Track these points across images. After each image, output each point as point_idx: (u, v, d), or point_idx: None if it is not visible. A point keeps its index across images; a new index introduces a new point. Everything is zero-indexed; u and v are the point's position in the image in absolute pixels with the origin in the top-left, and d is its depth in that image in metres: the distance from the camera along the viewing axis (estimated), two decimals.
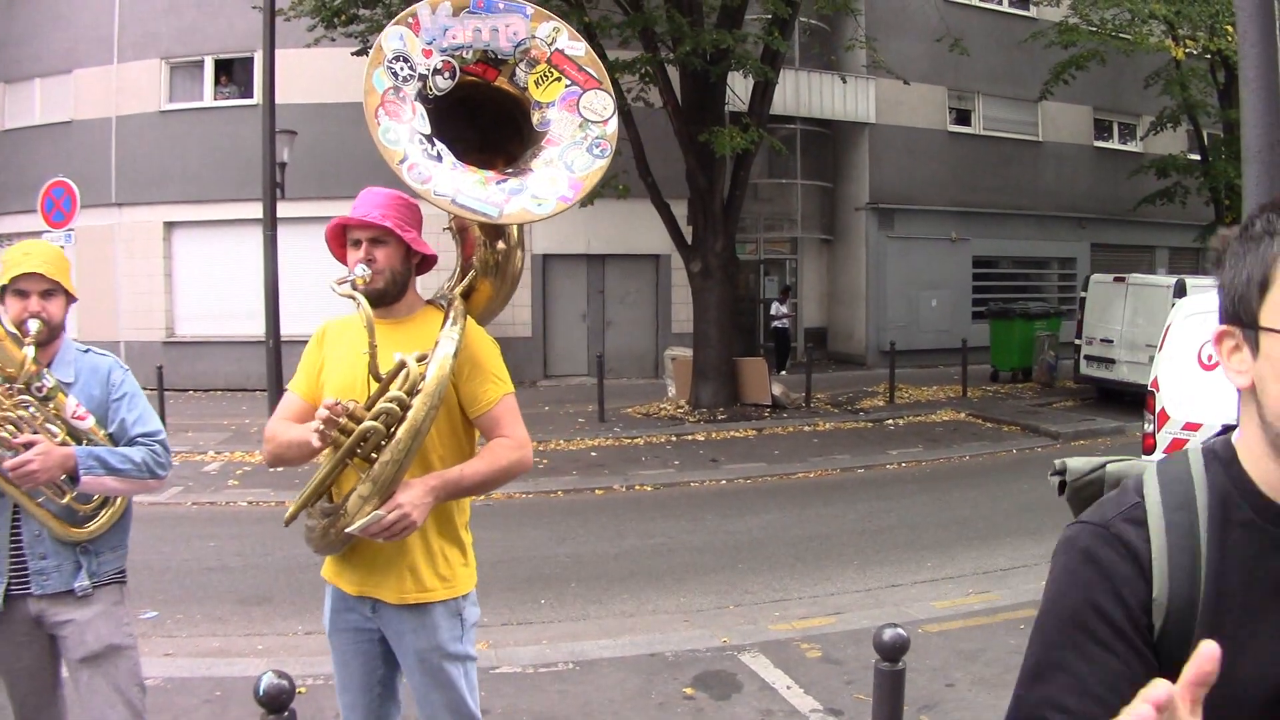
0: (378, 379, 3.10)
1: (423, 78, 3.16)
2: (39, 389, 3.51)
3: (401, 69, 3.12)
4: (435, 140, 3.13)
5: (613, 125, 3.25)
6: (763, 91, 17.53)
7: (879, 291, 25.60)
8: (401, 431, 2.98)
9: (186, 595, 8.28)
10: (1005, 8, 27.25)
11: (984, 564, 8.69)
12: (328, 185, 20.33)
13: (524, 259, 3.58)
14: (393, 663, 3.49)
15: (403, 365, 3.05)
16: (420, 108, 3.14)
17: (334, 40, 16.98)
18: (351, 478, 3.15)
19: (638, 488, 12.25)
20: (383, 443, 3.02)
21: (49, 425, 3.51)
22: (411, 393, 3.02)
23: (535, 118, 3.29)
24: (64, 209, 15.63)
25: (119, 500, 3.73)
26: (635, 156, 16.02)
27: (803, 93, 24.55)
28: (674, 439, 15.56)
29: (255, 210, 17.01)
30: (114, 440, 3.69)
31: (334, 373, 3.38)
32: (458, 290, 3.43)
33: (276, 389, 16.06)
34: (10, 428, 3.42)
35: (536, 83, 3.27)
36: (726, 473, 13.13)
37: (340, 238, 3.43)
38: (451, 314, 3.27)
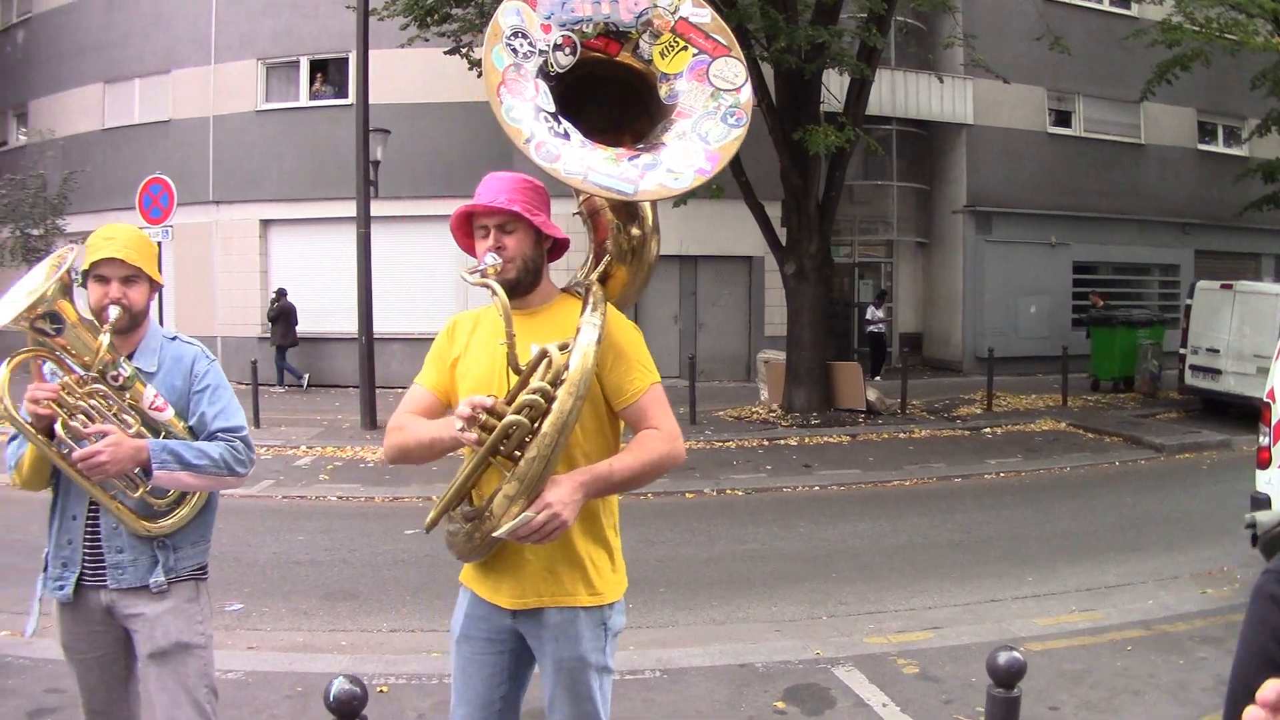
0: (517, 371, 2.91)
1: (543, 54, 2.98)
2: (115, 377, 3.38)
3: (521, 45, 2.95)
4: (560, 118, 2.94)
5: (746, 93, 3.04)
6: (859, 90, 17.20)
7: (976, 296, 25.08)
8: (547, 425, 2.79)
9: (273, 588, 8.25)
10: (1106, 6, 26.56)
11: (1088, 580, 8.31)
12: (420, 184, 20.46)
13: (659, 245, 3.35)
14: (520, 680, 3.31)
15: (544, 355, 2.86)
16: (543, 85, 2.96)
17: (427, 40, 17.02)
18: (494, 478, 2.96)
19: (729, 492, 12.00)
20: (527, 438, 2.82)
21: (124, 415, 3.38)
22: (555, 383, 2.83)
23: (663, 91, 3.09)
24: (161, 205, 15.87)
25: (198, 495, 3.57)
26: None
27: (899, 93, 24.15)
28: (766, 443, 15.31)
29: (349, 209, 17.15)
30: (194, 434, 3.55)
31: (470, 366, 3.20)
32: (593, 277, 3.21)
33: (369, 385, 16.19)
34: (82, 417, 3.30)
35: (661, 54, 3.09)
36: (820, 479, 12.86)
37: (466, 226, 3.23)
38: (591, 300, 3.06)
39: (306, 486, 12.58)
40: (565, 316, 3.11)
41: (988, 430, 16.53)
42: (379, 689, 5.84)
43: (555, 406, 2.80)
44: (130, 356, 3.51)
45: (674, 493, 11.86)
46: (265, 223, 23.50)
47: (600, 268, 3.23)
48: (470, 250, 3.22)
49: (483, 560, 3.15)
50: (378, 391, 16.66)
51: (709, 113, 3.01)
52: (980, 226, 25.11)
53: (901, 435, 16.00)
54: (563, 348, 2.89)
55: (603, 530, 3.21)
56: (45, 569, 3.57)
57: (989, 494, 12.11)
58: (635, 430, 3.13)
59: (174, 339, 3.68)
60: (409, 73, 20.76)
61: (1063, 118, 26.68)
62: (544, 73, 2.97)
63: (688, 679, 6.04)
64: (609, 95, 3.19)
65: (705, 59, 3.06)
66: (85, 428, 3.28)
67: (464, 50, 17.29)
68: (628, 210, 3.17)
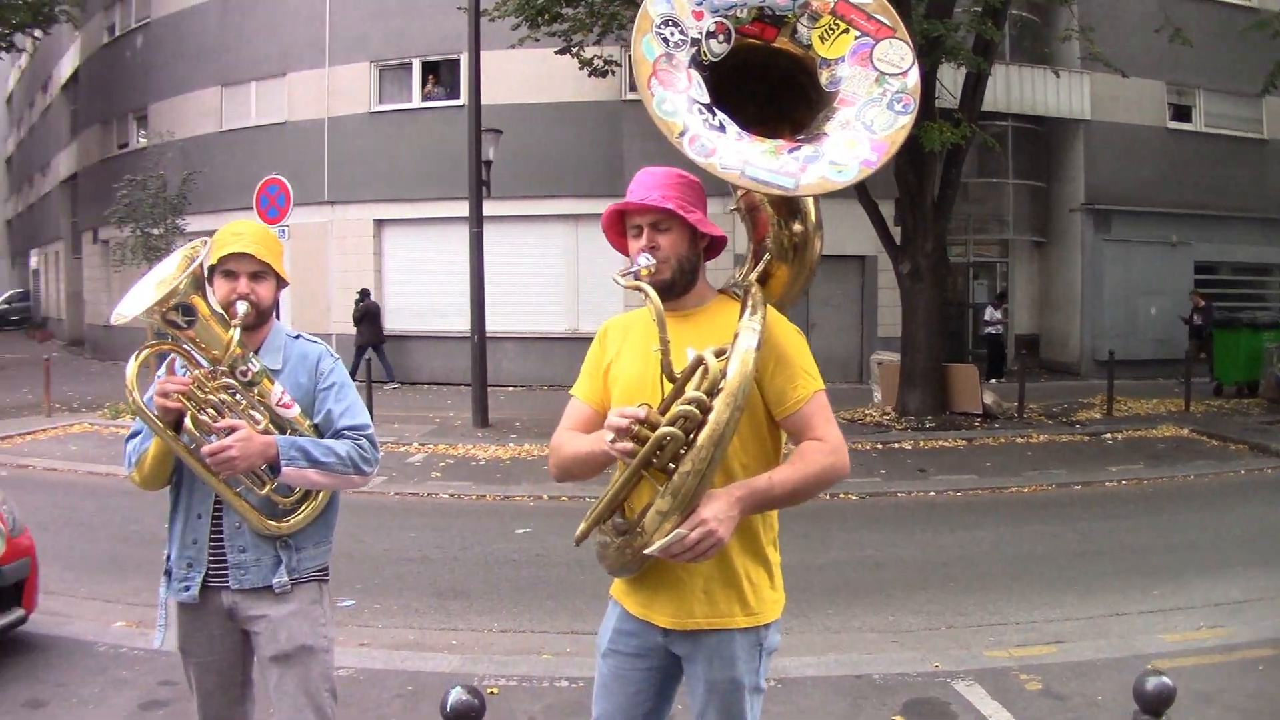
0: (671, 379, 2.77)
1: (695, 42, 2.84)
2: (244, 373, 3.35)
3: (672, 34, 2.80)
4: (715, 109, 2.79)
5: (914, 77, 2.84)
6: (974, 84, 16.87)
7: (1095, 297, 24.44)
8: (703, 437, 2.63)
9: (385, 586, 8.28)
10: None
11: (1216, 595, 7.94)
12: (531, 184, 20.55)
13: (822, 242, 3.17)
14: (666, 696, 3.19)
15: (700, 362, 2.70)
16: (696, 75, 2.81)
17: (537, 40, 17.11)
18: (647, 491, 2.83)
19: (842, 496, 11.70)
20: (682, 450, 2.67)
21: (252, 411, 3.35)
22: (711, 393, 2.66)
23: (824, 77, 2.91)
24: (278, 205, 16.12)
25: (321, 494, 3.54)
26: None
27: (1014, 88, 23.64)
28: (880, 447, 15.04)
29: (461, 209, 17.30)
30: (319, 431, 3.52)
31: (622, 375, 3.07)
32: (752, 277, 3.04)
33: (481, 383, 16.31)
34: (211, 411, 3.27)
35: (821, 38, 2.91)
36: (935, 484, 12.56)
37: (618, 225, 3.10)
38: (750, 302, 2.86)
39: (419, 484, 12.66)
40: (723, 319, 2.93)
41: (1108, 436, 16.05)
42: (489, 690, 5.81)
43: (711, 418, 2.64)
44: (256, 353, 3.48)
45: None
46: (379, 223, 23.81)
47: (760, 267, 3.09)
48: (623, 250, 3.09)
49: (634, 575, 3.03)
50: (489, 390, 16.78)
51: (874, 99, 2.83)
52: (1099, 225, 24.48)
53: (1019, 440, 15.60)
54: (720, 354, 2.72)
55: (762, 546, 3.04)
56: (168, 572, 3.55)
57: (1110, 502, 11.74)
58: (797, 441, 2.97)
59: (297, 337, 3.65)
60: (520, 73, 20.87)
61: (1182, 112, 25.82)
62: (697, 62, 2.84)
63: (803, 689, 5.90)
64: (766, 84, 3.04)
65: (868, 41, 2.88)
66: (215, 422, 3.26)
67: (574, 50, 17.33)
68: (789, 206, 3.03)
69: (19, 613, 6.62)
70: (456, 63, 22.07)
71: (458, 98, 21.88)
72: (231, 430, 3.23)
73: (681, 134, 2.69)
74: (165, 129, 26.37)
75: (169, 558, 3.56)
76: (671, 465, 2.69)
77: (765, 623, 3.02)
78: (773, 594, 3.06)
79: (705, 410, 2.65)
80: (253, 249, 3.43)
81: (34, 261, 50.61)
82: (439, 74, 23.61)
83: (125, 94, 31.50)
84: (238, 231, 3.50)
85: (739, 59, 2.92)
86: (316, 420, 3.53)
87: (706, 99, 2.79)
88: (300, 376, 3.54)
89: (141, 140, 28.87)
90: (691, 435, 2.66)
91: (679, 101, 2.74)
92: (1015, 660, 6.34)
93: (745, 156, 2.70)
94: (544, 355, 21.69)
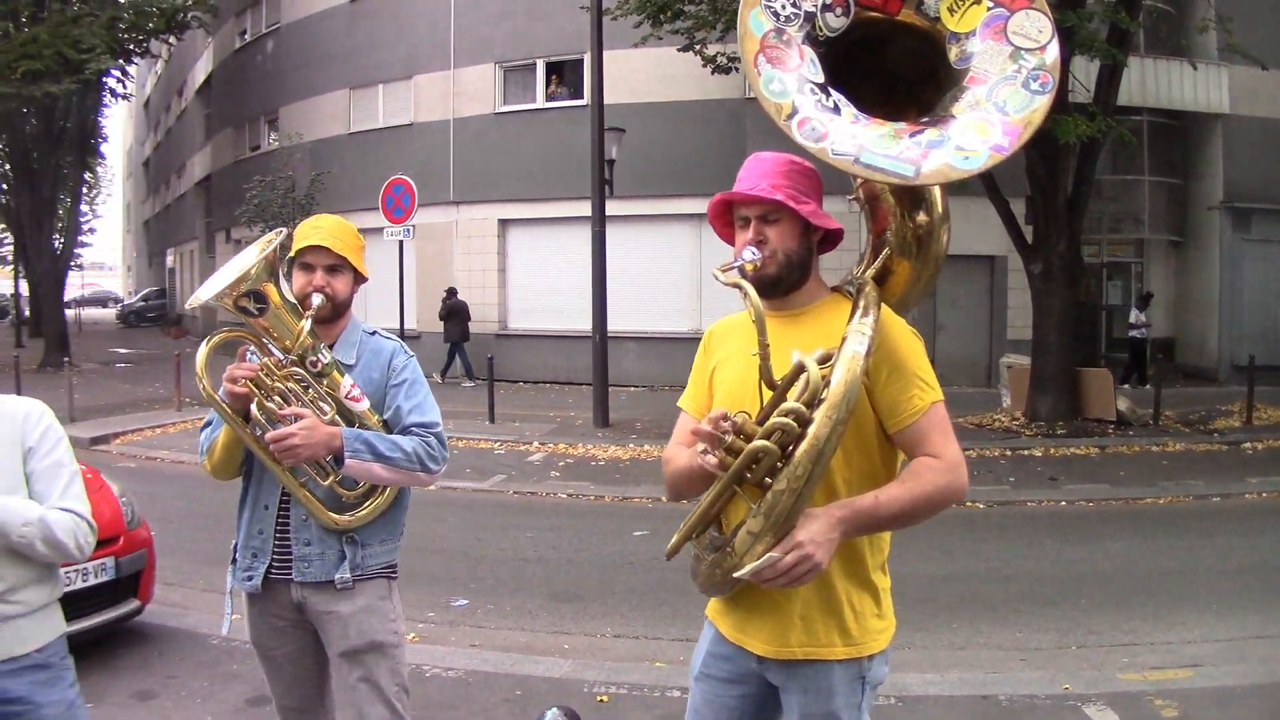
0: (771, 386, 2.53)
1: (810, 16, 2.62)
2: (314, 363, 3.34)
3: (784, 7, 2.60)
4: (830, 89, 2.57)
5: (1053, 52, 2.56)
6: (1109, 76, 16.28)
7: (1234, 300, 23.46)
8: (800, 454, 2.39)
9: (499, 585, 8.23)
10: None
11: None
12: (654, 183, 20.47)
13: (949, 235, 2.91)
14: None
15: (801, 369, 2.45)
16: (809, 52, 2.59)
17: (660, 39, 17.00)
18: (740, 507, 2.61)
19: (969, 504, 11.29)
20: (778, 465, 2.44)
21: (320, 402, 3.32)
22: (812, 404, 2.42)
23: (953, 53, 2.65)
24: (403, 205, 16.32)
25: (388, 490, 3.48)
26: None
27: (1149, 81, 22.82)
28: (1008, 453, 14.59)
29: (584, 208, 17.28)
30: (388, 427, 3.47)
31: (722, 380, 2.86)
32: (869, 274, 2.80)
33: (602, 384, 16.28)
34: (278, 399, 3.25)
35: (950, 9, 2.66)
36: (1067, 494, 12.09)
37: (725, 216, 2.87)
38: (862, 302, 2.62)
39: (538, 483, 12.64)
40: (834, 320, 2.68)
41: (1248, 445, 15.35)
42: (598, 698, 5.70)
43: (811, 432, 2.40)
44: (330, 348, 3.46)
45: None
46: (503, 222, 23.96)
47: (878, 263, 2.84)
48: (730, 241, 2.88)
49: (729, 595, 2.83)
50: (610, 389, 16.73)
51: (1007, 77, 2.56)
52: (1238, 224, 23.50)
53: (1154, 448, 15.01)
54: (824, 360, 2.50)
55: (868, 571, 2.78)
56: (234, 560, 3.56)
57: (1251, 516, 11.16)
58: (910, 456, 2.70)
59: (373, 333, 3.63)
60: (643, 72, 20.84)
61: None
62: (811, 38, 2.62)
63: (924, 709, 5.64)
64: (888, 60, 2.81)
65: (1003, 13, 2.62)
66: (280, 410, 3.23)
67: (697, 47, 17.18)
68: (912, 195, 2.78)
69: (134, 604, 6.73)
70: (579, 62, 22.09)
71: (581, 98, 21.88)
72: (297, 418, 3.21)
73: (790, 116, 2.49)
74: (295, 131, 26.95)
75: (235, 547, 3.57)
76: (766, 480, 2.47)
77: (868, 654, 2.77)
78: (879, 623, 2.81)
79: (804, 423, 2.42)
80: (329, 242, 3.42)
81: (170, 260, 52.17)
82: (562, 74, 23.69)
83: (257, 97, 32.29)
84: (316, 225, 3.51)
85: (858, 34, 2.69)
86: (386, 416, 3.49)
87: (820, 78, 2.58)
88: (373, 372, 3.51)
89: (272, 142, 29.54)
90: (789, 449, 2.44)
91: (789, 81, 2.54)
92: (1151, 684, 5.97)
93: (861, 141, 2.47)
94: (666, 355, 21.56)
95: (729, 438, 2.48)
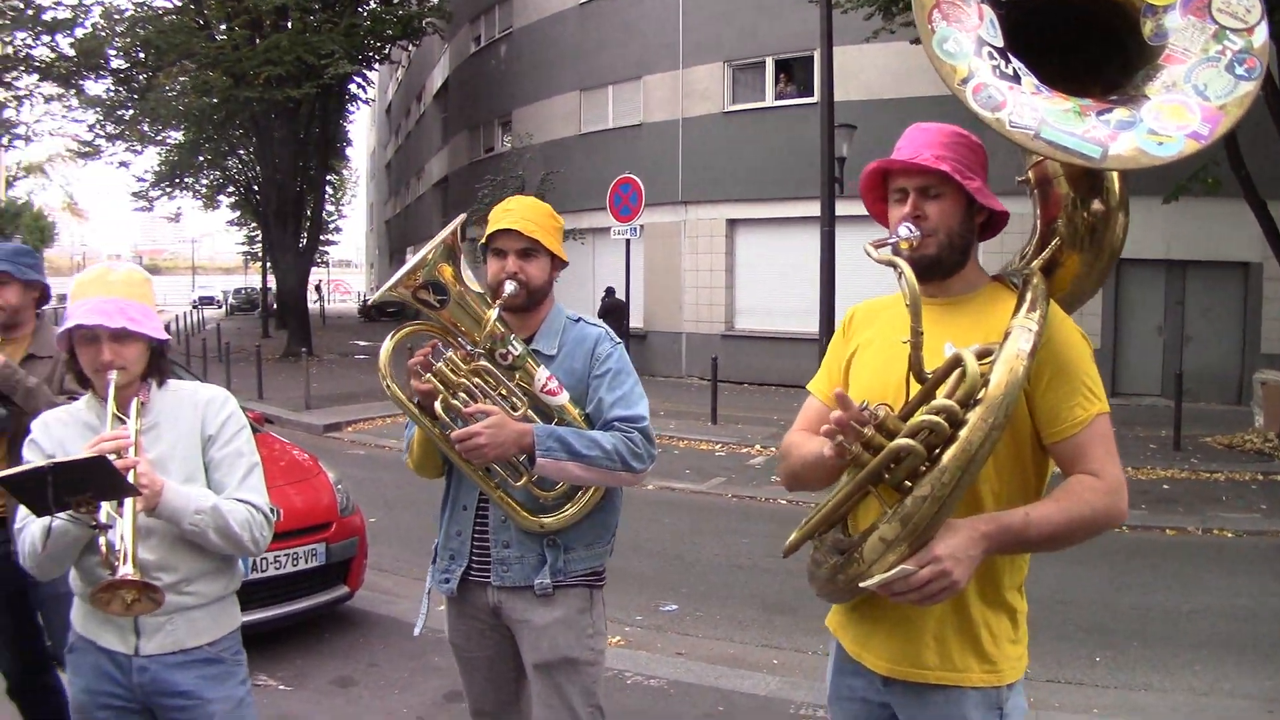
0: (920, 379, 2.29)
1: None
2: (504, 355, 3.14)
3: None
4: (1010, 56, 2.29)
5: (1262, 34, 2.22)
6: None
7: None
8: (948, 457, 2.14)
9: (710, 592, 8.00)
10: None
11: None
12: None
13: (1127, 225, 2.54)
14: None
15: (958, 363, 2.20)
16: (989, 12, 2.32)
17: (892, 33, 16.55)
18: (873, 508, 2.38)
19: (1216, 532, 10.48)
20: (922, 468, 2.19)
21: (511, 398, 3.13)
22: (967, 403, 2.17)
23: (1147, 28, 2.33)
24: (631, 204, 16.34)
25: (591, 492, 3.23)
26: (1226, 145, 13.98)
27: None
28: (1261, 478, 13.36)
29: (814, 208, 16.89)
30: (590, 422, 3.23)
31: (862, 367, 2.60)
32: (1036, 264, 2.49)
33: None
34: (464, 396, 3.08)
35: None
36: None
37: (879, 188, 2.61)
38: (1029, 295, 2.33)
39: (757, 487, 12.36)
40: (994, 312, 2.42)
41: None
42: None
43: (963, 434, 2.14)
44: (530, 339, 3.27)
45: (1152, 527, 10.49)
46: (731, 222, 23.73)
47: (1046, 253, 2.51)
48: (881, 218, 2.60)
49: (851, 605, 2.57)
50: None
51: (1209, 59, 2.24)
52: None
53: None
54: (983, 355, 2.22)
55: (1003, 591, 2.48)
56: (434, 560, 3.46)
57: None
58: (1067, 472, 2.38)
59: (578, 321, 3.39)
60: (874, 68, 20.33)
61: None
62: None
63: None
64: (1074, 32, 2.48)
65: None
66: (466, 407, 3.05)
67: None
68: (1090, 181, 2.45)
69: (343, 590, 6.83)
70: (809, 59, 21.66)
71: (811, 95, 21.44)
72: (484, 415, 3.02)
73: (965, 80, 2.23)
74: (527, 132, 27.44)
75: (436, 547, 3.47)
76: (906, 484, 2.20)
77: (1007, 683, 2.45)
78: (1015, 649, 2.49)
79: (956, 423, 2.16)
80: (519, 225, 3.21)
81: (409, 258, 53.92)
82: (791, 72, 23.33)
83: (491, 101, 33.09)
84: (507, 208, 3.31)
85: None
86: (588, 409, 3.25)
87: (1000, 42, 2.30)
88: (575, 362, 3.28)
89: (505, 144, 30.13)
90: (936, 451, 2.17)
91: (965, 41, 2.27)
92: None
93: (1042, 115, 2.19)
94: None
95: (868, 431, 2.21)
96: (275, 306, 41.06)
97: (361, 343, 36.52)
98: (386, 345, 3.15)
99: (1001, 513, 2.29)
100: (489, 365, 3.12)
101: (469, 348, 3.11)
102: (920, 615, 2.39)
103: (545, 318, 3.34)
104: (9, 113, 32.60)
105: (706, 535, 9.66)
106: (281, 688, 5.93)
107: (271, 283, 41.38)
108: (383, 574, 8.20)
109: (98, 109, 31.23)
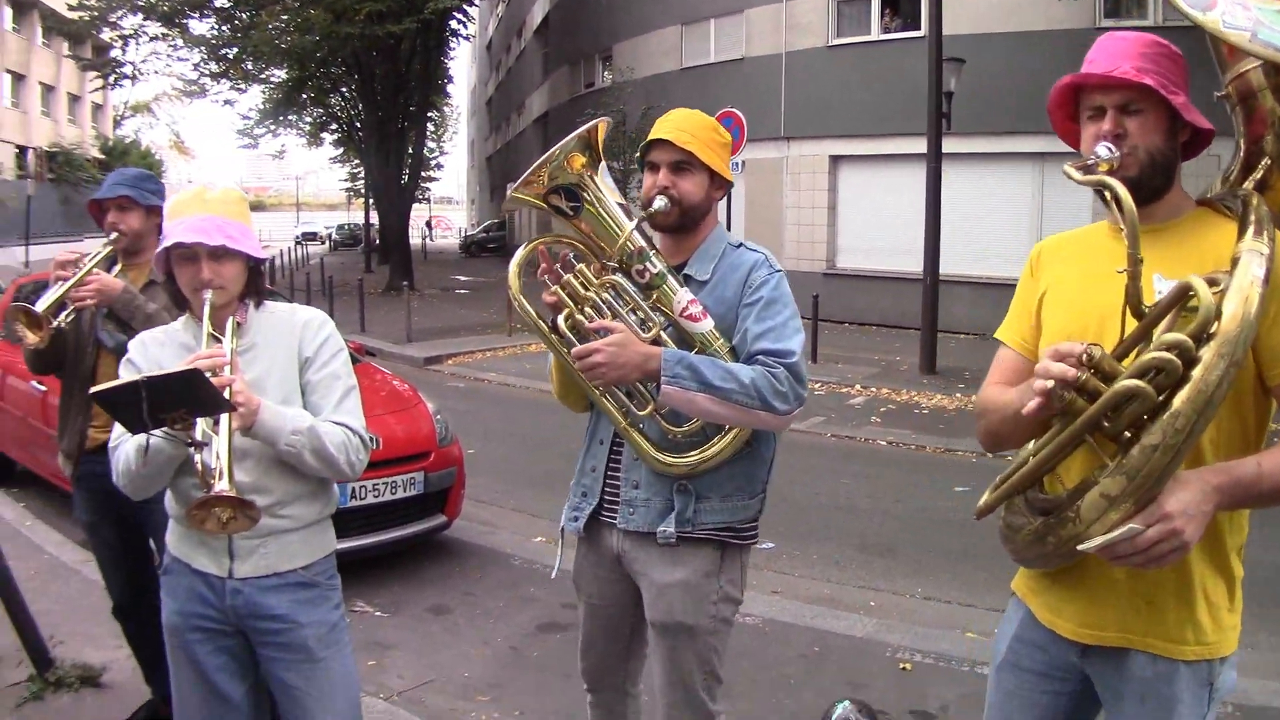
0: (1138, 313, 2.05)
1: None
2: (640, 272, 2.89)
3: None
4: None
5: None
6: None
7: None
8: (1181, 400, 1.89)
9: (808, 532, 7.89)
10: None
11: None
12: (994, 120, 19.32)
13: None
14: None
15: (1186, 292, 1.95)
16: None
17: None
18: (1079, 462, 2.18)
19: None
20: (1146, 416, 1.94)
21: (644, 318, 2.88)
22: (1199, 337, 1.92)
23: None
24: (732, 138, 16.09)
25: (732, 434, 2.91)
26: None
27: None
28: None
29: (919, 145, 16.54)
30: (734, 355, 2.90)
31: (1058, 307, 2.36)
32: (1249, 185, 2.22)
33: (930, 328, 15.62)
34: (589, 311, 2.86)
35: None
36: None
37: (1069, 106, 2.35)
38: (1252, 217, 2.06)
39: (856, 428, 12.21)
40: (1205, 239, 2.18)
41: None
42: (901, 665, 5.31)
43: (1197, 373, 1.89)
44: (684, 265, 3.00)
45: None
46: (834, 158, 23.31)
47: (1258, 174, 2.24)
48: (1070, 137, 2.36)
49: (1049, 570, 2.33)
50: (939, 335, 15.96)
51: None
52: None
53: None
54: (1211, 284, 1.94)
55: (1227, 554, 2.21)
56: (571, 497, 3.23)
57: None
58: None
59: (739, 246, 3.05)
60: (983, 1, 19.69)
61: None
62: None
63: None
64: None
65: None
66: (590, 322, 2.84)
67: None
68: None
69: (440, 519, 6.90)
70: None
71: (917, 28, 20.93)
72: (607, 333, 2.77)
73: None
74: (627, 67, 27.23)
75: (573, 484, 3.22)
76: (1127, 434, 1.95)
77: (1220, 656, 2.21)
78: (1231, 618, 2.24)
79: (1190, 361, 1.90)
80: (673, 135, 2.92)
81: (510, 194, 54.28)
82: (898, 4, 22.75)
83: (591, 35, 32.88)
84: (666, 117, 3.03)
85: None
86: (734, 341, 2.91)
87: None
88: (726, 290, 2.94)
89: (606, 79, 29.97)
90: (1164, 395, 1.92)
91: None
92: None
93: (1258, 16, 1.95)
94: (999, 303, 19.97)
95: (1084, 375, 1.98)
96: (377, 242, 41.51)
97: (462, 278, 36.86)
98: (518, 255, 2.97)
99: (1231, 463, 2.06)
100: (622, 281, 2.89)
101: (604, 261, 2.90)
102: (1133, 577, 2.18)
103: (703, 241, 3.04)
104: (115, 52, 33.24)
105: (805, 475, 9.53)
106: (378, 614, 5.97)
107: (374, 219, 41.82)
108: (480, 505, 8.25)
109: (202, 48, 31.61)
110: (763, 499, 3.11)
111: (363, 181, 47.38)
